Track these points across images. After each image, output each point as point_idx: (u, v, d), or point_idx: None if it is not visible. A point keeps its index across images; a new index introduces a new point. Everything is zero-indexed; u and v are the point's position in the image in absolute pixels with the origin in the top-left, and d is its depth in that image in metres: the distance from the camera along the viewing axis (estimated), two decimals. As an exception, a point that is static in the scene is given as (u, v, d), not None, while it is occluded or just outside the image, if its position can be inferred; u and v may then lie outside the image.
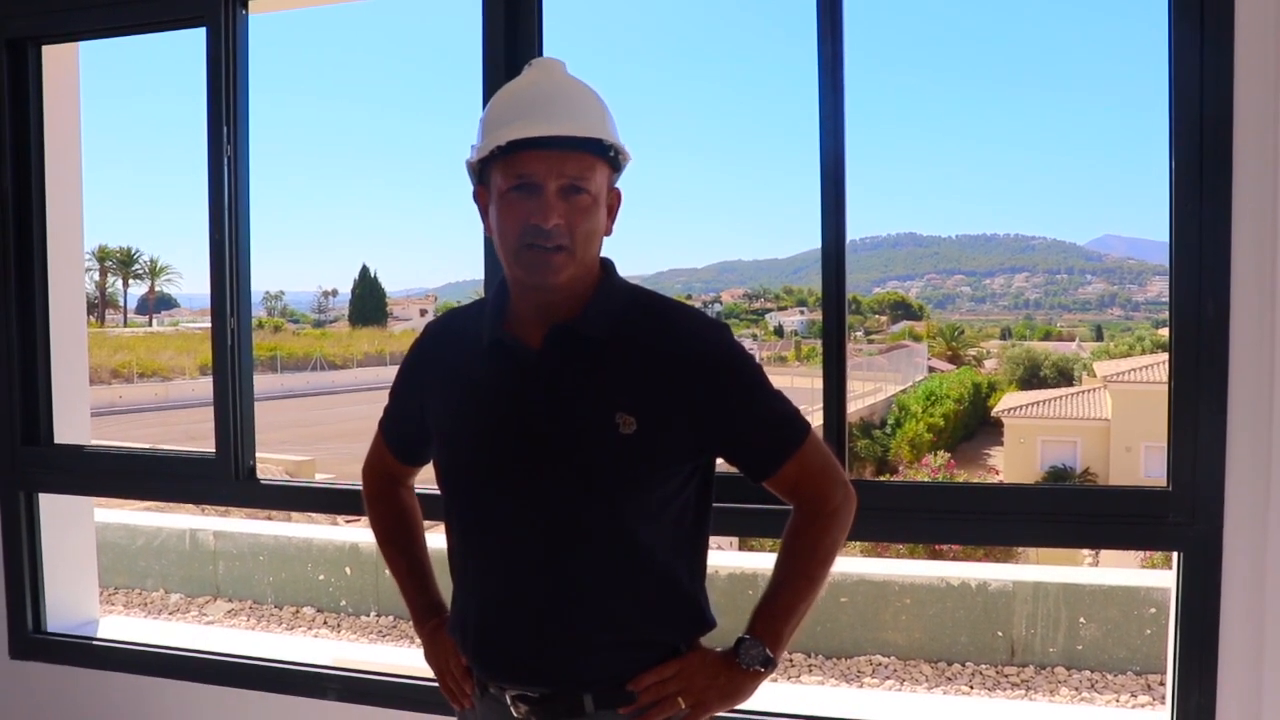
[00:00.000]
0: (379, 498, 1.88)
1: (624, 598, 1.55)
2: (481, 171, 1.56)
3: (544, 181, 1.47)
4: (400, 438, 1.81)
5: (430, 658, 1.78)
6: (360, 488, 2.73)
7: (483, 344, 1.59)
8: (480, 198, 1.60)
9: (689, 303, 1.68)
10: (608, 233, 1.58)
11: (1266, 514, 2.10)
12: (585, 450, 1.52)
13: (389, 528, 1.88)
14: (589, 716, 1.56)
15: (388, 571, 1.92)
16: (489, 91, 2.53)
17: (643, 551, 1.55)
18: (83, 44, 3.16)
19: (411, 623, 1.86)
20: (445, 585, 1.78)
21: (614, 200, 1.59)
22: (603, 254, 1.63)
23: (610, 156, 1.53)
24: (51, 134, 3.10)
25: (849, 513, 1.63)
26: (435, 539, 1.85)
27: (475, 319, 1.64)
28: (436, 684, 2.62)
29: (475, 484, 1.60)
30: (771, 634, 1.58)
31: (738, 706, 1.61)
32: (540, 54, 2.56)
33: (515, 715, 1.59)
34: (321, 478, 12.01)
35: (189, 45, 2.88)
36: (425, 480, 1.84)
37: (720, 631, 1.64)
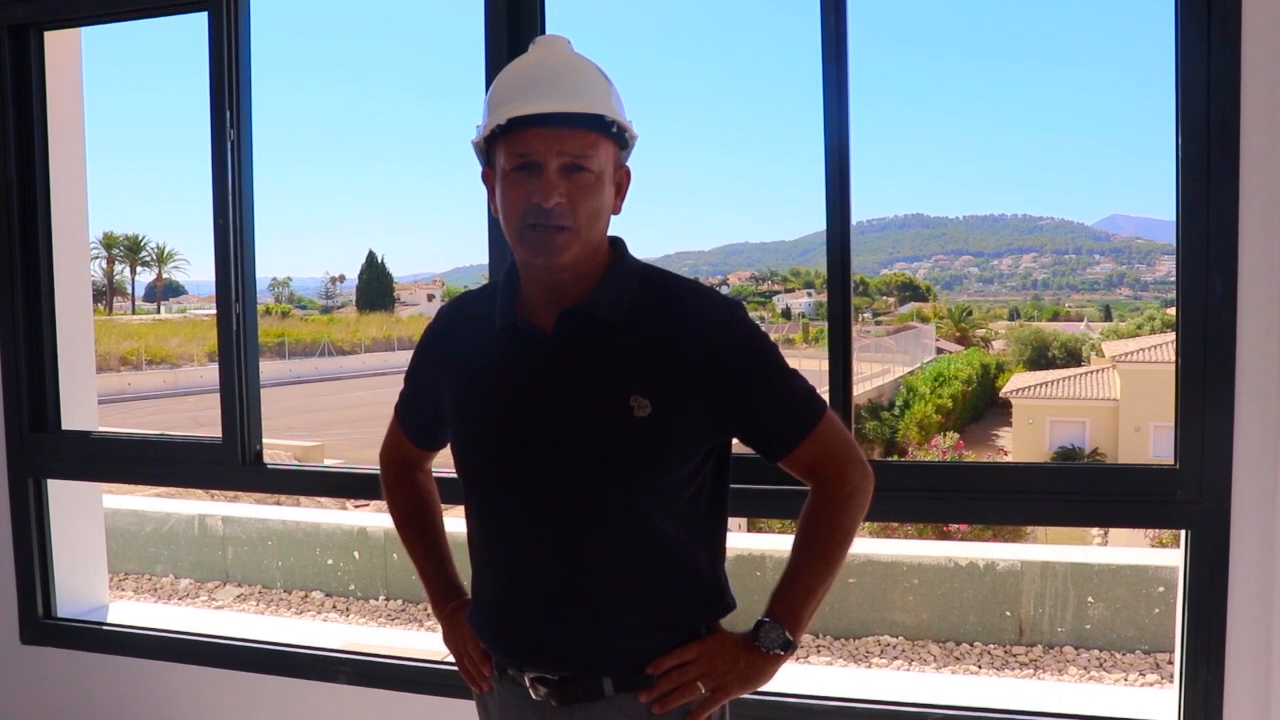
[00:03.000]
0: (396, 483, 1.87)
1: (641, 581, 1.54)
2: (488, 151, 1.55)
3: (545, 160, 1.45)
4: (416, 422, 1.80)
5: (448, 641, 1.78)
6: (368, 471, 2.76)
7: (495, 328, 1.58)
8: (488, 178, 1.58)
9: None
10: (616, 211, 1.56)
11: (1275, 491, 2.10)
12: (600, 434, 1.51)
13: (407, 512, 1.87)
14: (608, 699, 1.55)
15: (400, 554, 1.92)
16: (491, 74, 2.53)
17: (660, 534, 1.54)
18: (85, 29, 3.16)
19: (429, 606, 1.85)
20: (465, 570, 1.77)
21: (623, 178, 1.57)
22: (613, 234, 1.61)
23: (614, 133, 1.51)
24: (55, 120, 3.10)
25: (867, 493, 1.62)
26: (455, 523, 1.85)
27: (488, 303, 1.63)
28: (447, 667, 2.63)
29: (491, 469, 1.60)
30: (791, 617, 1.57)
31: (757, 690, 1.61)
32: (544, 34, 2.55)
33: (534, 698, 1.58)
34: (330, 463, 12.03)
35: (193, 29, 2.87)
36: (445, 464, 1.83)
37: (732, 613, 1.64)
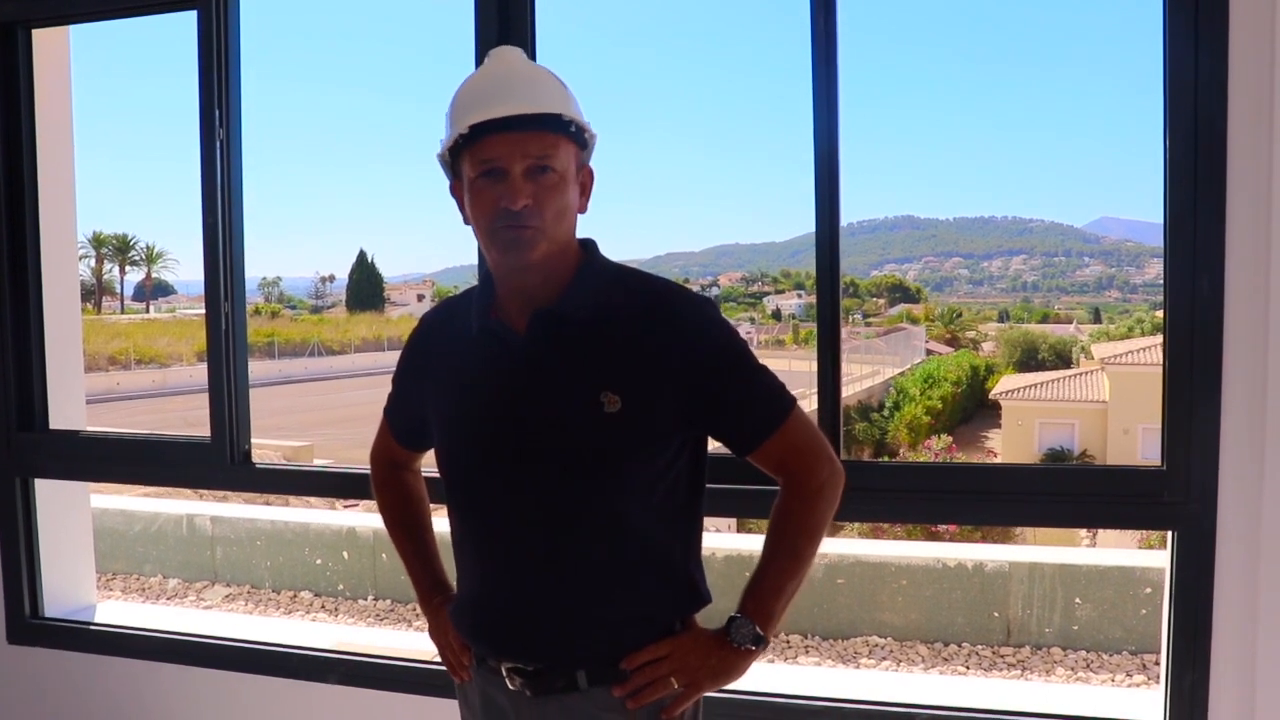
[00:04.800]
0: (386, 483, 1.92)
1: (616, 575, 1.58)
2: (454, 164, 1.58)
3: (508, 165, 1.49)
4: (403, 424, 1.85)
5: (433, 633, 1.82)
6: (358, 471, 2.77)
7: (472, 332, 1.62)
8: (456, 191, 1.62)
9: (687, 286, 1.70)
10: (582, 210, 1.60)
11: (1260, 492, 2.11)
12: (571, 431, 1.54)
13: (395, 511, 1.91)
14: (582, 692, 1.58)
15: (389, 554, 1.95)
16: (482, 74, 2.53)
17: (633, 529, 1.57)
18: (74, 27, 3.14)
19: (417, 601, 1.89)
20: (451, 567, 1.81)
21: (586, 178, 1.61)
22: (593, 235, 1.66)
23: (573, 133, 1.54)
24: (43, 118, 3.09)
25: (836, 489, 1.64)
26: (441, 523, 1.88)
27: (466, 308, 1.67)
28: (435, 667, 2.63)
29: (470, 468, 1.64)
30: (762, 612, 1.59)
31: (731, 685, 1.62)
32: (533, 38, 2.57)
33: (510, 687, 1.61)
34: (319, 463, 12.00)
35: (182, 28, 2.86)
36: (432, 465, 1.85)
37: (718, 612, 1.65)
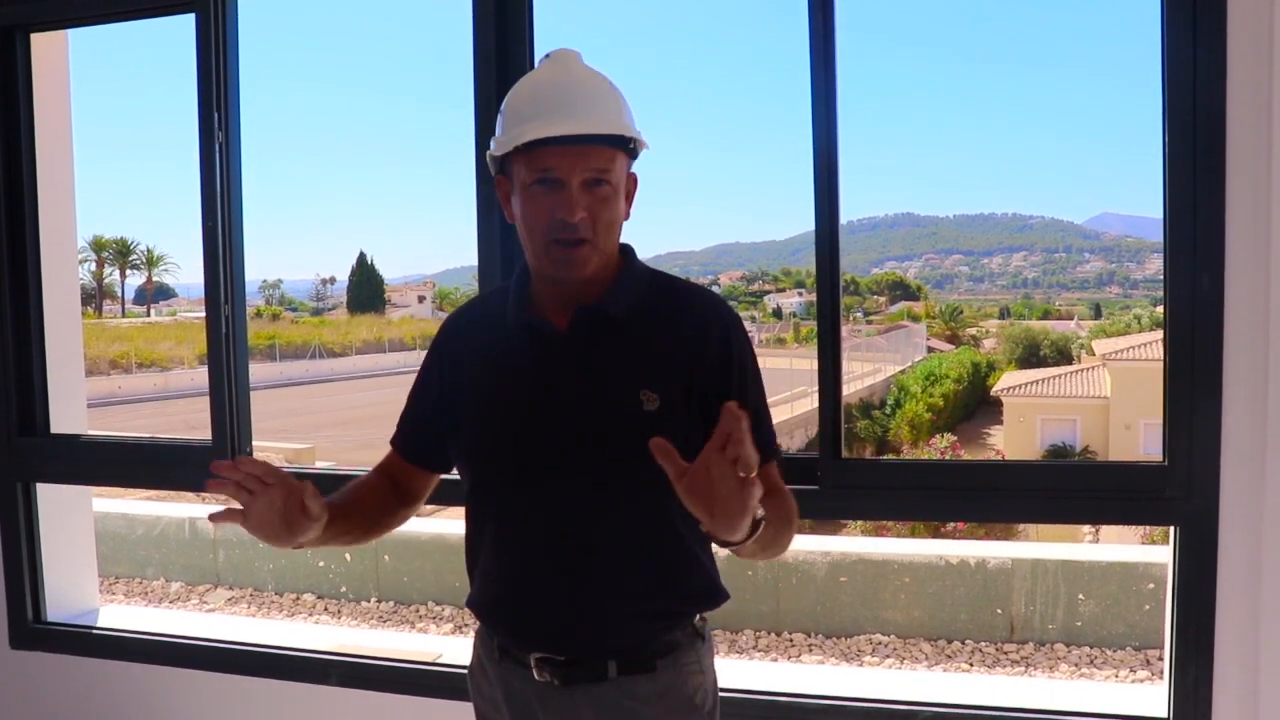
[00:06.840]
0: (366, 483, 1.78)
1: (650, 569, 1.60)
2: (502, 161, 1.58)
3: (567, 176, 1.50)
4: (413, 430, 1.77)
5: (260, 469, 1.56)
6: (359, 474, 2.77)
7: (509, 327, 1.63)
8: (501, 186, 1.62)
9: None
10: (626, 217, 1.62)
11: (1263, 487, 2.11)
12: (612, 427, 1.56)
13: (349, 494, 1.74)
14: (612, 682, 1.59)
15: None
16: (479, 77, 2.55)
17: (669, 524, 1.59)
18: (72, 31, 3.15)
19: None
20: (458, 570, 1.79)
21: (631, 186, 1.62)
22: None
23: (629, 148, 1.57)
24: (42, 123, 3.09)
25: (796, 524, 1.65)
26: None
27: (499, 304, 1.67)
28: (439, 668, 2.64)
29: (505, 461, 1.63)
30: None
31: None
32: (531, 40, 2.57)
33: (538, 679, 1.61)
34: (321, 465, 12.00)
35: (181, 30, 2.86)
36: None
37: (723, 611, 1.67)
